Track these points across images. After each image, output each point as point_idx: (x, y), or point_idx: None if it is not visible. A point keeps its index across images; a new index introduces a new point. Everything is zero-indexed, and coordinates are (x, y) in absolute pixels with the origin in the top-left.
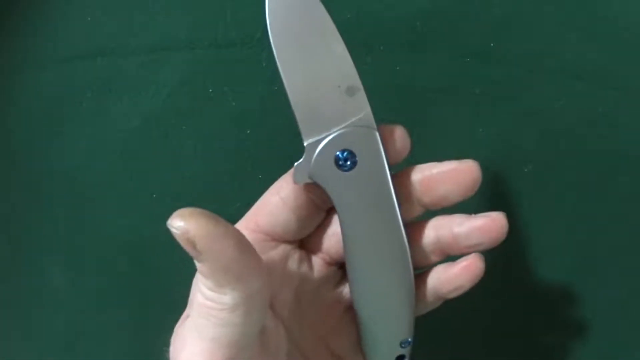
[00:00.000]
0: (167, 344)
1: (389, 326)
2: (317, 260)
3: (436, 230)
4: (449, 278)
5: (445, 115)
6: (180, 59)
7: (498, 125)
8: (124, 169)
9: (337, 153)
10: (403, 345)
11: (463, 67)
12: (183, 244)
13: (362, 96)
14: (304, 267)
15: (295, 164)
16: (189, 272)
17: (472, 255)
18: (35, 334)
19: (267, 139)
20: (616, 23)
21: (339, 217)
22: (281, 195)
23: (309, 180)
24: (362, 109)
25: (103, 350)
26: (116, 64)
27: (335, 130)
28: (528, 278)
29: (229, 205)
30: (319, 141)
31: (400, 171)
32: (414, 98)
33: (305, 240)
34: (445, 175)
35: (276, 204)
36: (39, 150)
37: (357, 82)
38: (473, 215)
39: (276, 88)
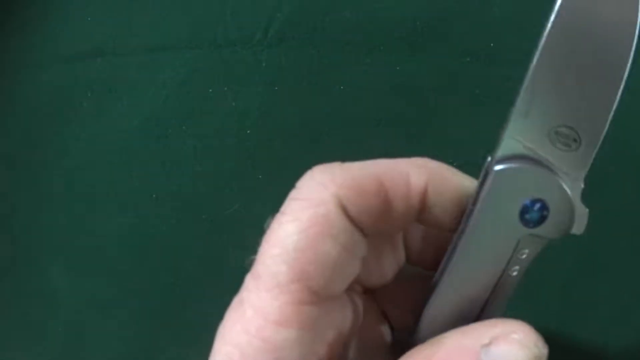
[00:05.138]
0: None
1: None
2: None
3: None
4: None
5: (445, 115)
6: (180, 59)
7: (498, 125)
8: (124, 169)
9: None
10: None
11: (463, 67)
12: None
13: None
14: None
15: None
16: (188, 272)
17: None
18: (35, 334)
19: (267, 139)
20: None
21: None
22: (339, 240)
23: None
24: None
25: (103, 351)
26: (116, 64)
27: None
28: (527, 279)
29: (229, 205)
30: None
31: None
32: (414, 98)
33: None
34: None
35: (336, 255)
36: (39, 150)
37: None
38: None
39: (276, 88)
